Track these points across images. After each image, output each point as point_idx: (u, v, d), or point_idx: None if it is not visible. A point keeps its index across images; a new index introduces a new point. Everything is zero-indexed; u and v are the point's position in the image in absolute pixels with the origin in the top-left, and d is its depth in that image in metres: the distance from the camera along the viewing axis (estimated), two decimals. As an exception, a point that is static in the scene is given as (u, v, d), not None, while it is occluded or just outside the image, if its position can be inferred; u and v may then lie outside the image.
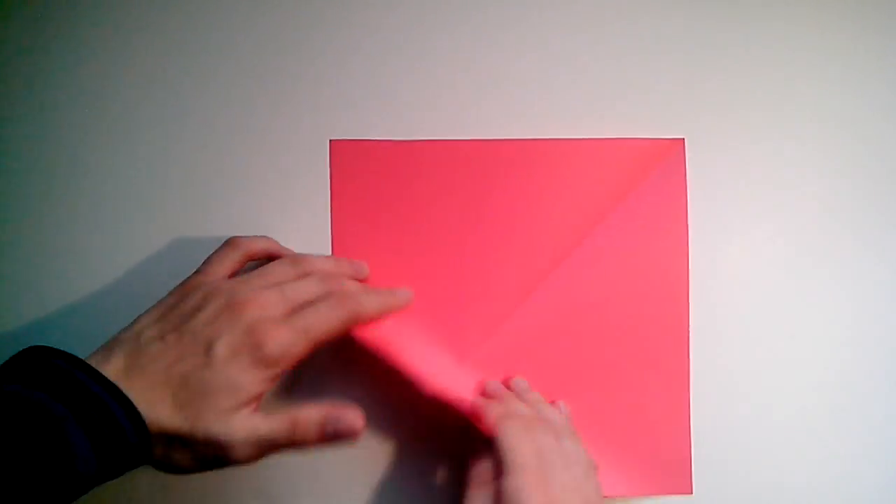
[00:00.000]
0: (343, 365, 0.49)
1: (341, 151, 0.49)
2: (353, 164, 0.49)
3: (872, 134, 0.51)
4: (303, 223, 0.49)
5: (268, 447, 0.38)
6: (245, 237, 0.44)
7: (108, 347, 0.39)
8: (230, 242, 0.44)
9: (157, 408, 0.36)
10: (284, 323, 0.39)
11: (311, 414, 0.39)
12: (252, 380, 0.37)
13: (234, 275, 0.43)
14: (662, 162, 0.49)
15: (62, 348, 0.36)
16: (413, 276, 0.49)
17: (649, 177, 0.49)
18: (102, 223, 0.49)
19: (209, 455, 0.37)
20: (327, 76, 0.50)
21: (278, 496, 0.48)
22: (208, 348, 0.37)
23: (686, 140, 0.50)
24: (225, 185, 0.50)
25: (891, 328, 0.50)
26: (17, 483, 0.32)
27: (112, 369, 0.37)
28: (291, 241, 0.48)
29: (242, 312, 0.38)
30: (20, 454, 0.33)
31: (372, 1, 0.51)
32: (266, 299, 0.39)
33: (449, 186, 0.49)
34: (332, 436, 0.39)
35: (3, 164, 0.49)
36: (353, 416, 0.39)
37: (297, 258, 0.44)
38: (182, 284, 0.42)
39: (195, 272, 0.43)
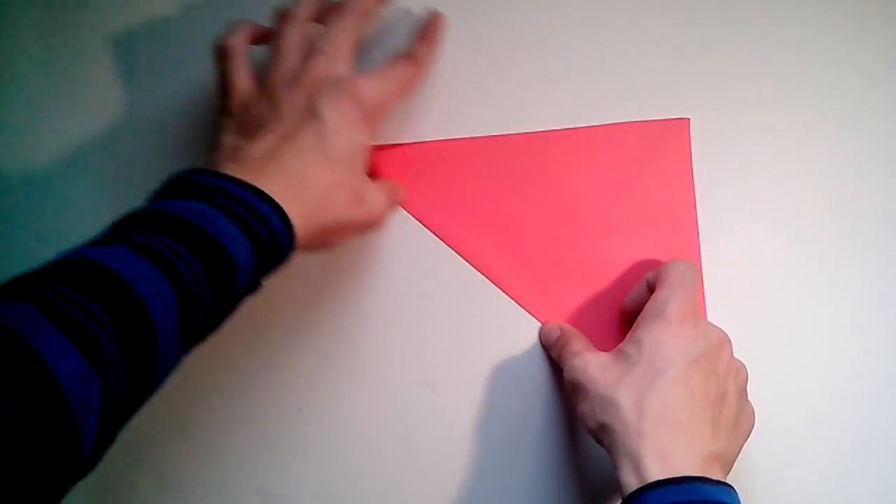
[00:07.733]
0: (344, 365, 0.48)
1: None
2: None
3: (877, 109, 0.50)
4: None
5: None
6: (225, 40, 0.43)
7: (213, 163, 0.40)
8: (225, 53, 0.43)
9: (293, 207, 0.38)
10: (355, 76, 0.41)
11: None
12: (365, 139, 0.41)
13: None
14: (668, 142, 0.50)
15: None
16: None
17: (656, 158, 0.49)
18: (99, 220, 0.50)
19: (355, 231, 0.42)
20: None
21: (278, 496, 0.48)
22: (321, 139, 0.39)
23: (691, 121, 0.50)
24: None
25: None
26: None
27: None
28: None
29: (316, 87, 0.40)
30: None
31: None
32: (319, 66, 0.41)
33: (460, 186, 0.49)
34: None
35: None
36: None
37: (285, 17, 0.43)
38: (222, 110, 0.42)
39: (222, 97, 0.42)
